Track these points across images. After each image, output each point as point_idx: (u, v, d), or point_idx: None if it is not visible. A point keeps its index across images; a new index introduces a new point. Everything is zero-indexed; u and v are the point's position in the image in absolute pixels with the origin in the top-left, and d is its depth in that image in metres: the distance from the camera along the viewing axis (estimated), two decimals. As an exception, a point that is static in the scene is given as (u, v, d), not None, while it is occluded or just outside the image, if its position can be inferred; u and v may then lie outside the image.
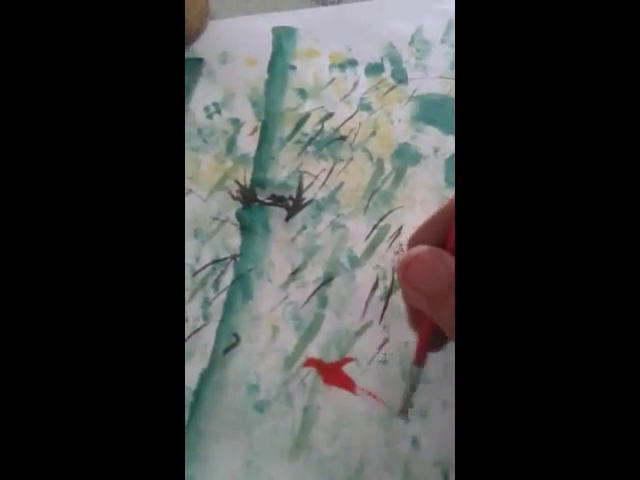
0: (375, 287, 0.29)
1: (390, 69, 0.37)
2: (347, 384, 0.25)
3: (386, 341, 0.27)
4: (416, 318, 0.21)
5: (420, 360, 0.21)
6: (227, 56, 0.38)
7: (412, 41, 0.38)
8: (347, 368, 0.27)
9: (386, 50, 0.37)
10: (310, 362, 0.27)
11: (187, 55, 0.38)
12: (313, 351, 0.27)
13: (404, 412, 0.22)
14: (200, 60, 0.37)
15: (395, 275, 0.29)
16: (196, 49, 0.38)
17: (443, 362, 0.26)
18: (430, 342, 0.21)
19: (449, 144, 0.33)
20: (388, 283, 0.29)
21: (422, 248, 0.18)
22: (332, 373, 0.26)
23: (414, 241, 0.20)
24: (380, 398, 0.26)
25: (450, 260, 0.17)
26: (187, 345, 0.28)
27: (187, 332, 0.28)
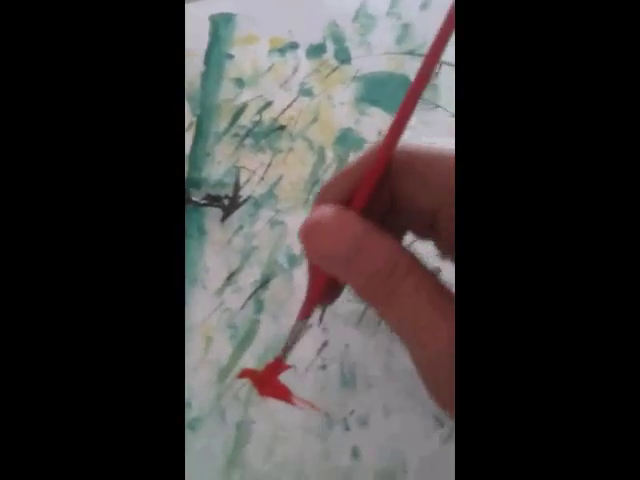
0: (315, 286, 0.27)
1: (333, 49, 0.34)
2: (283, 394, 0.24)
3: (325, 344, 0.25)
4: (312, 268, 0.19)
5: (306, 313, 0.20)
6: (163, 50, 0.35)
7: (356, 17, 0.35)
8: (284, 377, 0.25)
9: (329, 29, 0.35)
10: (244, 373, 0.25)
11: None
12: (249, 361, 0.26)
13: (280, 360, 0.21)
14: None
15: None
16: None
17: (384, 364, 0.24)
18: (322, 295, 0.19)
19: (394, 125, 0.31)
20: (328, 281, 0.27)
21: (324, 210, 0.15)
22: (267, 384, 0.24)
23: (322, 197, 0.18)
24: (317, 407, 0.24)
25: (355, 219, 0.15)
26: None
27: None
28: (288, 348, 0.21)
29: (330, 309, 0.26)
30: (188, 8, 0.37)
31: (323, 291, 0.19)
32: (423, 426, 0.24)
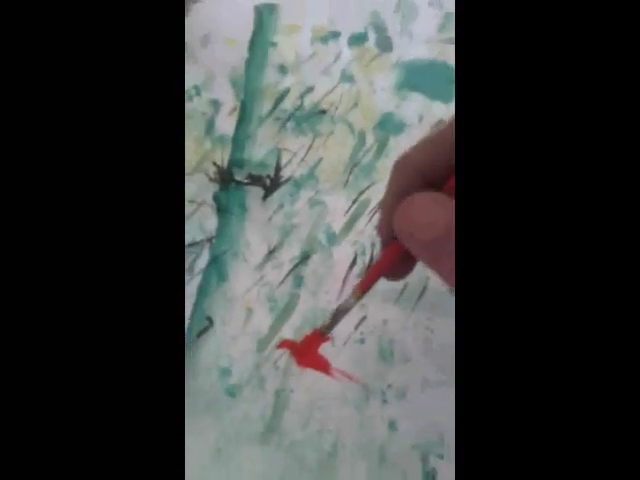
0: (353, 264, 0.28)
1: (374, 38, 0.35)
2: (322, 365, 0.24)
3: (363, 319, 0.26)
4: (389, 243, 0.20)
5: (367, 286, 0.20)
6: (209, 38, 0.37)
7: (398, 7, 0.36)
8: (322, 348, 0.25)
9: (370, 19, 0.36)
10: (284, 344, 0.26)
11: (168, 40, 0.37)
12: (288, 332, 0.26)
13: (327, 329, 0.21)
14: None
15: (374, 251, 0.28)
16: (177, 33, 0.37)
17: (422, 338, 0.24)
18: (391, 270, 0.19)
19: (435, 110, 0.31)
20: (367, 259, 0.28)
21: (419, 193, 0.16)
22: (306, 354, 0.24)
23: (401, 169, 0.18)
24: (356, 379, 0.24)
25: (449, 204, 0.15)
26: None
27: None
28: (335, 320, 0.21)
29: (369, 286, 0.27)
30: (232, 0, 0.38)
31: (394, 266, 0.19)
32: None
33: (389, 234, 0.19)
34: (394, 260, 0.19)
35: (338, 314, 0.21)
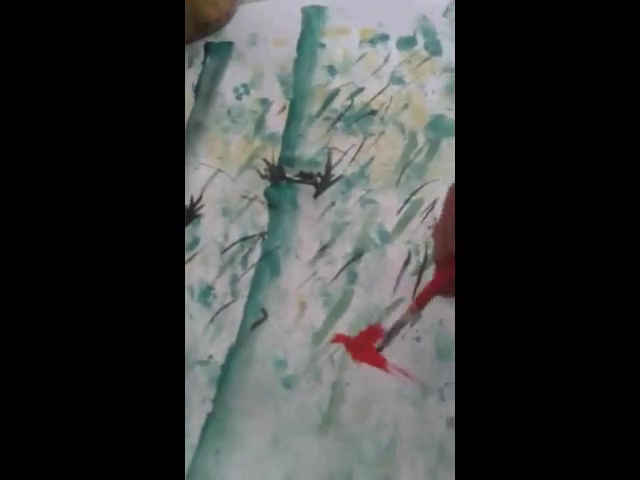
0: (407, 263, 0.28)
1: (423, 41, 0.35)
2: (377, 361, 0.24)
3: (419, 317, 0.26)
4: (443, 261, 0.20)
5: (423, 302, 0.20)
6: (256, 38, 0.37)
7: (446, 12, 0.36)
8: (378, 345, 0.25)
9: (419, 23, 0.36)
10: (339, 338, 0.26)
11: (217, 39, 0.38)
12: (342, 327, 0.26)
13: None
14: (230, 43, 0.37)
15: (428, 250, 0.28)
16: (226, 33, 0.38)
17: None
18: (445, 287, 0.20)
19: (486, 114, 0.31)
20: (421, 258, 0.28)
21: None
22: (361, 350, 0.24)
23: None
24: (412, 376, 0.24)
25: None
26: (216, 321, 0.28)
27: (216, 308, 0.28)
28: (392, 335, 0.22)
29: (423, 285, 0.27)
30: (281, 1, 0.39)
31: (449, 285, 0.20)
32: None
33: (445, 255, 0.20)
34: (450, 279, 0.20)
35: (395, 329, 0.22)
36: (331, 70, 0.35)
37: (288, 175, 0.32)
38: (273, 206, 0.31)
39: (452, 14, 0.36)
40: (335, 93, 0.34)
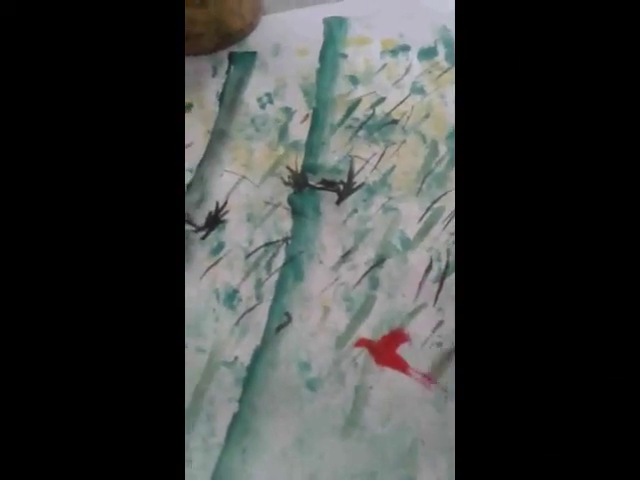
0: (429, 269, 0.29)
1: (444, 52, 0.36)
2: (400, 365, 0.25)
3: (441, 323, 0.26)
4: None
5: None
6: (279, 48, 0.38)
7: (466, 23, 0.37)
8: (400, 350, 0.26)
9: (439, 33, 0.37)
10: (362, 342, 0.27)
11: (241, 49, 0.39)
12: (365, 332, 0.27)
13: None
14: (253, 53, 0.38)
15: (450, 258, 0.29)
16: (250, 43, 0.39)
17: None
18: None
19: (507, 124, 0.32)
20: (443, 265, 0.28)
21: None
22: (384, 354, 0.25)
23: None
24: (435, 380, 0.25)
25: None
26: (241, 323, 0.29)
27: (241, 310, 0.29)
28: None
29: (446, 291, 0.28)
30: (303, 12, 0.40)
31: None
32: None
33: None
34: None
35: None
36: (353, 80, 0.36)
37: (311, 182, 0.33)
38: (296, 212, 0.32)
39: (472, 25, 0.37)
40: (357, 102, 0.35)
